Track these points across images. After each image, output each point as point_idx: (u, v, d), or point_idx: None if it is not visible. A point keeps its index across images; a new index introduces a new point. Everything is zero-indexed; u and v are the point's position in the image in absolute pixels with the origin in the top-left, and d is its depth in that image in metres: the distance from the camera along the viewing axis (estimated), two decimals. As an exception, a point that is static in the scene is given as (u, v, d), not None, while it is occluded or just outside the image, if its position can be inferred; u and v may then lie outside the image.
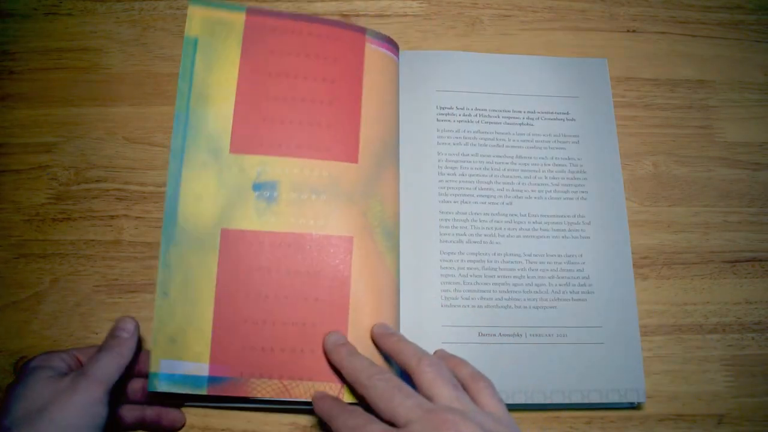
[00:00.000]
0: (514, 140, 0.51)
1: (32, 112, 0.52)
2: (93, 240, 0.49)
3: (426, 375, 0.35)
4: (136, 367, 0.42)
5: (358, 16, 0.56)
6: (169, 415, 0.43)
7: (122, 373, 0.38)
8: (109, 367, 0.37)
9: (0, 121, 0.52)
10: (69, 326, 0.46)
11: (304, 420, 0.44)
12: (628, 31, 0.57)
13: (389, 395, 0.34)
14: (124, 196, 0.50)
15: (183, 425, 0.43)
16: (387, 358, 0.42)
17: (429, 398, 0.35)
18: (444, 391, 0.34)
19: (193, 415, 0.44)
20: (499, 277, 0.47)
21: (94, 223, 0.49)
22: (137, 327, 0.41)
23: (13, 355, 0.45)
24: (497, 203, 0.49)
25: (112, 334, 0.40)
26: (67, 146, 0.51)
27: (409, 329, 0.45)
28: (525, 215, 0.49)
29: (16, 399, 0.35)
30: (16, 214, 0.49)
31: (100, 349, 0.39)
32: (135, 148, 0.51)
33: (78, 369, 0.39)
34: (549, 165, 0.50)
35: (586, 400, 0.44)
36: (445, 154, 0.50)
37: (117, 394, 0.39)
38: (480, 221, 0.48)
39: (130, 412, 0.42)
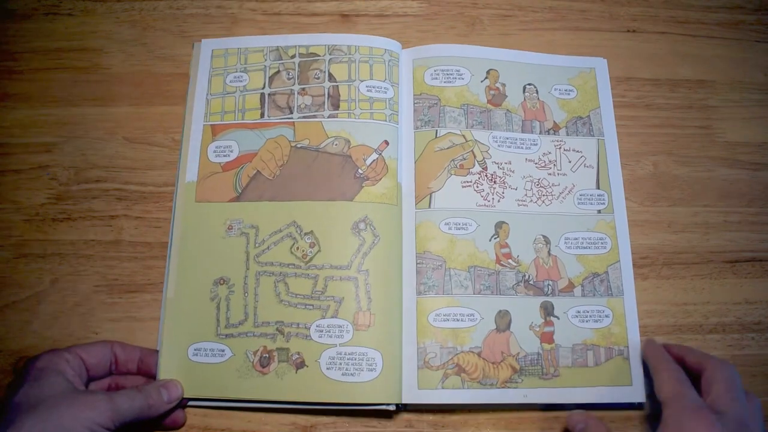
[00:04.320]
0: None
1: (32, 112, 0.52)
2: (93, 240, 0.49)
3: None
4: (143, 367, 0.43)
5: (358, 16, 0.56)
6: (170, 414, 0.43)
7: (138, 419, 0.39)
8: (134, 409, 0.38)
9: (0, 121, 0.52)
10: (69, 326, 0.46)
11: (304, 420, 0.44)
12: (628, 31, 0.57)
13: (726, 387, 0.38)
14: (124, 196, 0.50)
15: (183, 424, 0.43)
16: None
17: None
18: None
19: (193, 415, 0.44)
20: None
21: (94, 223, 0.49)
22: (180, 397, 0.42)
23: (13, 355, 0.45)
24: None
25: (158, 388, 0.41)
26: (67, 146, 0.51)
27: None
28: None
29: (24, 397, 0.35)
30: (16, 214, 0.49)
31: (140, 388, 0.40)
32: (135, 148, 0.51)
33: (82, 370, 0.39)
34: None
35: (585, 400, 0.44)
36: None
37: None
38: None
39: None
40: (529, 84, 0.52)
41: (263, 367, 0.43)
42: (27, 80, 0.53)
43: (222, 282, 0.46)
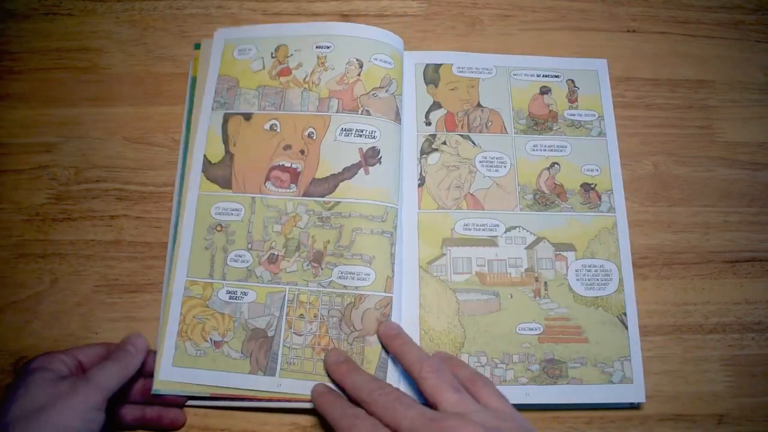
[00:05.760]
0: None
1: (32, 112, 0.52)
2: (93, 240, 0.49)
3: (428, 381, 0.37)
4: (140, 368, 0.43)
5: (358, 16, 0.56)
6: (169, 414, 0.43)
7: (123, 383, 0.39)
8: (112, 376, 0.38)
9: (0, 121, 0.52)
10: (69, 326, 0.46)
11: (304, 420, 0.44)
12: (628, 31, 0.57)
13: (392, 409, 0.35)
14: (124, 196, 0.50)
15: (183, 424, 0.43)
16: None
17: (433, 404, 0.36)
18: (447, 396, 0.35)
19: (193, 415, 0.44)
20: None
21: (94, 223, 0.49)
22: (146, 346, 0.43)
23: (13, 355, 0.45)
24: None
25: (122, 347, 0.41)
26: (67, 146, 0.51)
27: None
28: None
29: (15, 399, 0.35)
30: (16, 214, 0.49)
31: (107, 357, 0.40)
32: (135, 148, 0.51)
33: (78, 371, 0.39)
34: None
35: (586, 400, 0.44)
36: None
37: (117, 399, 0.40)
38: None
39: (131, 412, 0.42)
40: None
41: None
42: (27, 80, 0.53)
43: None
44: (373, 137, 0.47)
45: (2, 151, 0.51)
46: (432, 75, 0.52)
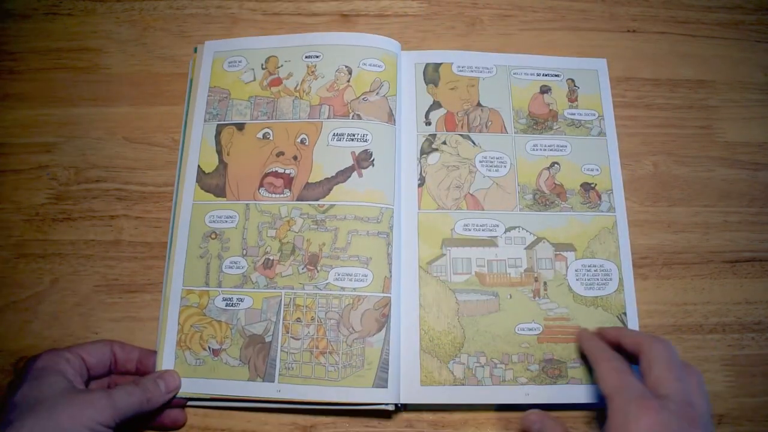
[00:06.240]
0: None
1: (32, 112, 0.52)
2: (93, 240, 0.49)
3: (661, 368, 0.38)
4: (141, 368, 0.43)
5: (358, 16, 0.56)
6: (170, 414, 0.43)
7: (141, 413, 0.39)
8: (133, 405, 0.38)
9: (0, 121, 0.52)
10: (69, 326, 0.46)
11: (304, 420, 0.44)
12: (628, 31, 0.57)
13: (667, 366, 0.37)
14: (124, 196, 0.50)
15: (184, 424, 0.44)
16: None
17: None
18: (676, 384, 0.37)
19: (193, 415, 0.44)
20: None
21: (94, 223, 0.49)
22: (177, 388, 0.43)
23: (13, 355, 0.45)
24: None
25: (155, 381, 0.41)
26: (67, 146, 0.51)
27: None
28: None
29: (24, 397, 0.36)
30: (16, 214, 0.49)
31: (137, 382, 0.40)
32: (135, 148, 0.51)
33: (83, 369, 0.39)
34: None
35: (585, 400, 0.44)
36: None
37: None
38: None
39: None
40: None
41: None
42: (27, 80, 0.53)
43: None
44: (365, 140, 0.48)
45: (2, 151, 0.51)
46: (432, 74, 0.52)
